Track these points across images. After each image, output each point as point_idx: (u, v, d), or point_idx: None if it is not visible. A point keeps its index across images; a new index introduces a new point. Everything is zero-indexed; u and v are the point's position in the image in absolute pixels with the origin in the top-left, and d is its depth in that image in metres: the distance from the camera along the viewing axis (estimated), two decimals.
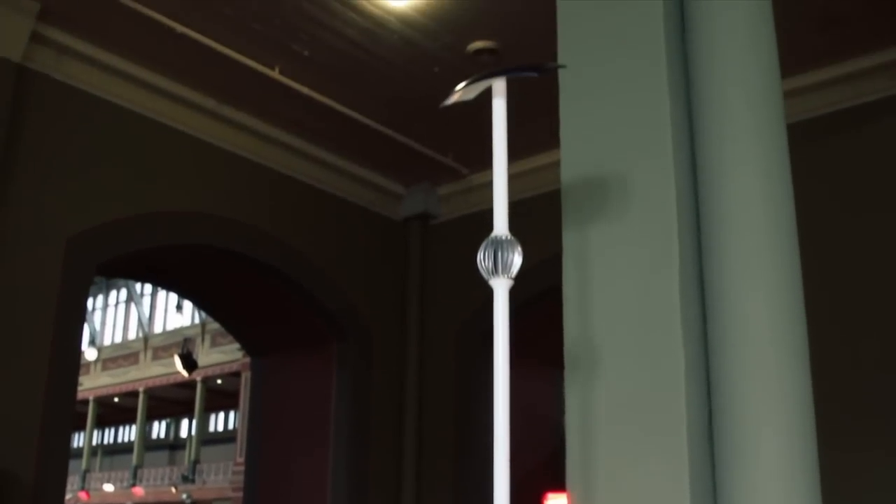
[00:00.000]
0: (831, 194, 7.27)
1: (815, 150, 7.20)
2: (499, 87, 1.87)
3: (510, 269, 1.76)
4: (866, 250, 7.22)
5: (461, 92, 1.90)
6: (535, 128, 5.31)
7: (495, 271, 1.75)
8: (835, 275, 7.00)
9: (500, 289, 1.73)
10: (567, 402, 2.56)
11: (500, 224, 1.80)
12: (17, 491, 7.02)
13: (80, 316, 8.21)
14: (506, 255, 1.75)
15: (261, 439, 10.47)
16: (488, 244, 1.78)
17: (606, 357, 2.54)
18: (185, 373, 20.50)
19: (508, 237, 1.79)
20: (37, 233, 7.50)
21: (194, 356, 21.03)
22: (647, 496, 2.41)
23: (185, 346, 25.63)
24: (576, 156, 2.84)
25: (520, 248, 1.78)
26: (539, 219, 4.83)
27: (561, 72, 2.98)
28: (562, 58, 3.03)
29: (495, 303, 1.72)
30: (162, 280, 11.92)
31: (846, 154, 7.44)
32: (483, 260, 1.77)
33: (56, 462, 7.49)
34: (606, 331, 2.61)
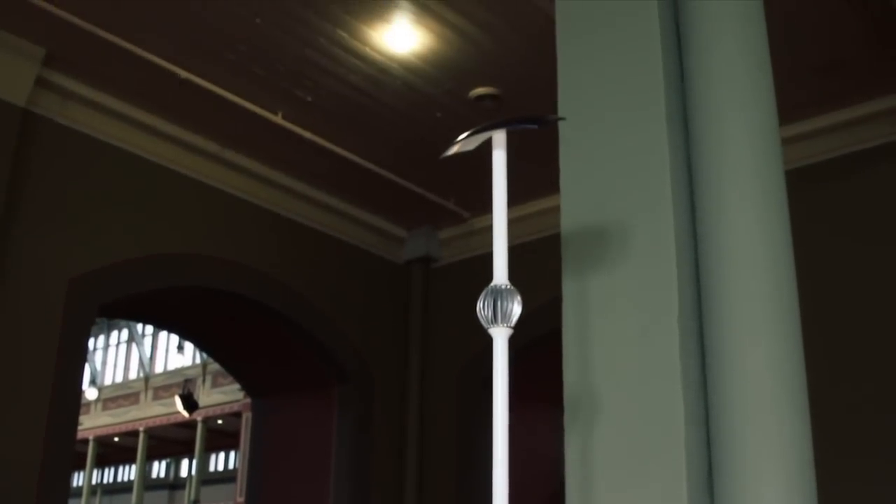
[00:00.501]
0: (831, 233, 7.28)
1: (814, 194, 7.24)
2: (499, 139, 1.90)
3: (510, 318, 1.77)
4: (863, 291, 7.24)
5: (461, 143, 1.93)
6: (536, 173, 5.34)
7: (495, 320, 1.77)
8: (832, 317, 7.01)
9: (500, 338, 1.74)
10: (566, 449, 2.57)
11: (500, 273, 1.81)
12: None
13: (82, 356, 8.22)
14: (505, 304, 1.77)
15: (261, 479, 10.43)
16: (488, 293, 1.80)
17: (606, 404, 2.56)
18: (185, 413, 20.46)
19: (508, 286, 1.81)
20: (39, 274, 7.53)
21: (195, 396, 20.98)
22: None
23: (185, 386, 25.60)
24: (575, 205, 2.87)
25: (519, 298, 1.80)
26: (540, 262, 4.86)
27: (560, 122, 3.01)
28: (562, 108, 3.07)
29: (495, 352, 1.74)
30: (163, 321, 11.93)
31: (845, 197, 7.48)
32: (483, 309, 1.78)
33: (56, 501, 7.47)
34: (606, 378, 2.62)
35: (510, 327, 1.78)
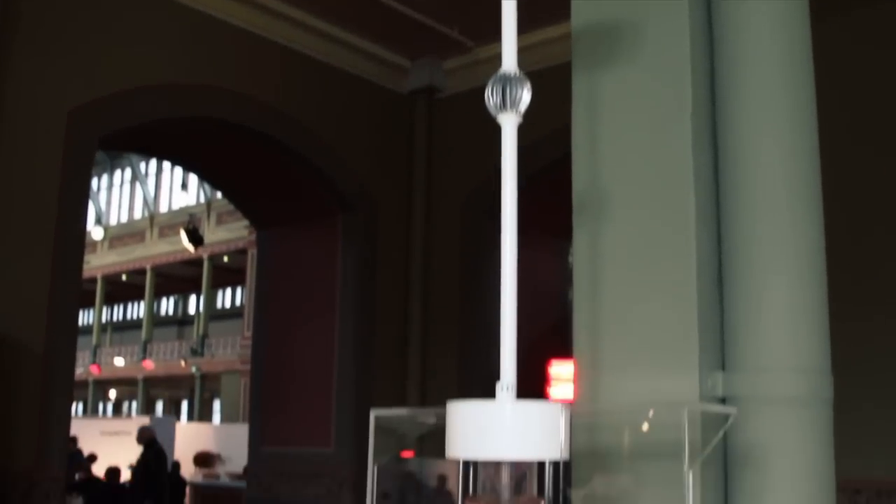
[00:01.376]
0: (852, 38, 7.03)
1: None
2: None
3: (518, 104, 1.70)
4: (880, 98, 7.05)
5: None
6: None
7: (503, 107, 1.70)
8: (848, 116, 6.78)
9: (508, 125, 1.68)
10: (574, 246, 2.53)
11: (509, 60, 1.74)
12: (29, 361, 7.12)
13: (85, 189, 8.19)
14: (514, 90, 1.70)
15: (267, 311, 10.54)
16: (496, 80, 1.72)
17: (615, 202, 2.51)
18: (191, 248, 20.53)
19: (517, 73, 1.73)
20: (37, 106, 7.43)
21: (200, 232, 21.02)
22: (655, 339, 2.40)
23: (190, 221, 25.65)
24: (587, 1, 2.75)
25: (529, 85, 1.73)
26: (542, 93, 4.74)
27: None
28: None
29: (503, 140, 1.68)
30: (166, 154, 11.87)
31: None
32: (491, 96, 1.71)
33: (65, 334, 7.57)
34: (615, 176, 2.56)
35: (519, 115, 1.72)
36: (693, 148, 2.39)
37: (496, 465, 1.17)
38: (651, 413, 2.03)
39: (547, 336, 9.25)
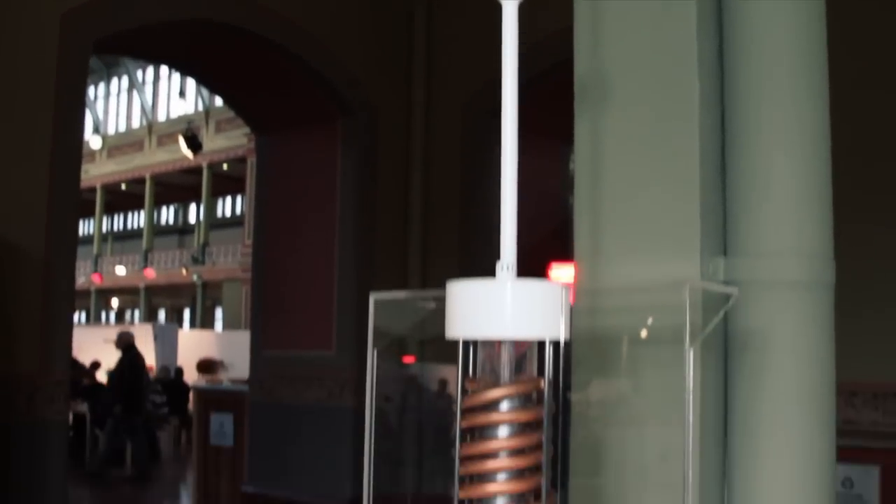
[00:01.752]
0: None
1: None
2: None
3: None
4: None
5: None
6: None
7: None
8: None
9: (510, 5, 1.64)
10: (576, 135, 2.49)
11: None
12: (29, 267, 7.13)
13: (81, 94, 8.11)
14: None
15: (267, 216, 10.52)
16: None
17: (618, 87, 2.46)
18: (189, 154, 20.41)
19: None
20: (29, 9, 7.31)
21: (199, 138, 20.90)
22: (656, 225, 2.39)
23: (189, 128, 25.51)
24: None
25: None
26: None
27: None
28: None
29: (504, 22, 1.63)
30: (164, 59, 11.74)
31: None
32: None
33: (65, 241, 7.57)
34: (618, 62, 2.52)
35: None
36: (697, 32, 2.35)
37: (496, 346, 1.16)
38: (653, 294, 2.03)
39: (547, 240, 9.24)
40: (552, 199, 10.35)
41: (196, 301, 40.02)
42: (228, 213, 42.92)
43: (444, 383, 8.05)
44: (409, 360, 7.35)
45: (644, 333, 2.06)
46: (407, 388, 8.50)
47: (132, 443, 13.84)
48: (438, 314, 1.19)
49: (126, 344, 13.33)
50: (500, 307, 1.12)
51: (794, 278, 2.29)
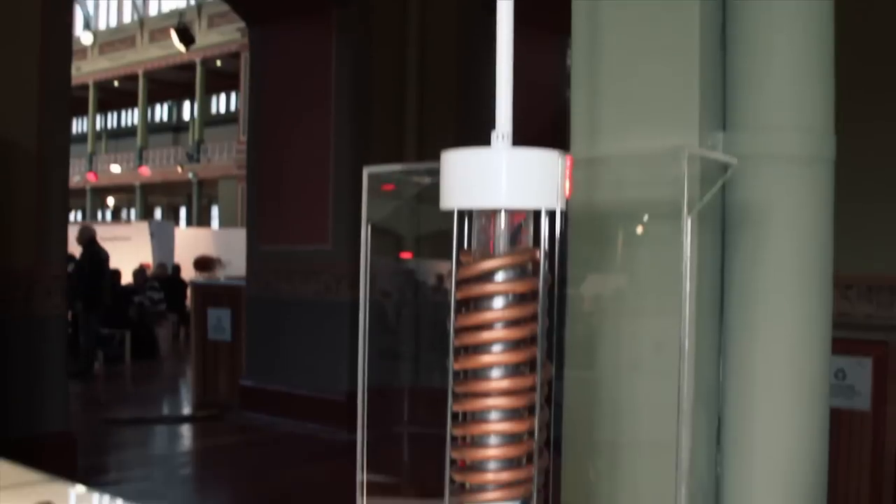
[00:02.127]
0: None
1: None
2: None
3: None
4: None
5: None
6: None
7: None
8: None
9: None
10: (573, 8, 2.43)
11: None
12: (23, 162, 7.08)
13: None
14: None
15: (262, 110, 10.42)
16: None
17: None
18: (182, 48, 20.03)
19: None
20: None
21: (191, 32, 20.54)
22: (655, 99, 2.35)
23: (180, 20, 25.08)
24: None
25: None
26: None
27: None
28: None
29: None
30: None
31: None
32: None
33: (58, 135, 7.52)
34: None
35: None
36: None
37: (491, 216, 1.14)
38: (650, 164, 2.00)
39: (544, 132, 9.16)
40: (550, 90, 10.26)
41: (192, 199, 39.95)
42: (223, 110, 42.53)
43: (441, 278, 8.09)
44: (406, 255, 7.38)
45: (642, 207, 2.04)
46: (404, 283, 8.54)
47: (83, 335, 13.36)
48: (433, 193, 1.17)
49: (87, 239, 12.90)
50: (496, 177, 1.10)
51: (795, 152, 2.27)
